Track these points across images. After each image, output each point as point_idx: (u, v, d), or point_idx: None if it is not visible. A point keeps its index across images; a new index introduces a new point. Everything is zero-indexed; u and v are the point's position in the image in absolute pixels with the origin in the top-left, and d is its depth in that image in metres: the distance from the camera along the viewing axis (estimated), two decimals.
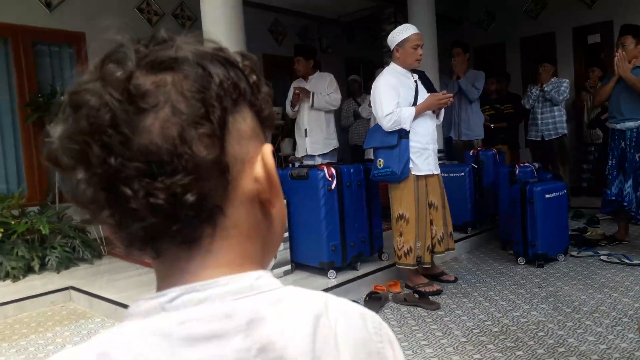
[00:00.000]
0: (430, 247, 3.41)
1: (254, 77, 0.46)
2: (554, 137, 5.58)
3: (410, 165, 3.29)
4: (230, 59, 0.44)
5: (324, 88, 4.73)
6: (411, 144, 3.28)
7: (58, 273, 4.03)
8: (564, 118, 5.61)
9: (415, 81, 3.40)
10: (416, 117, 3.26)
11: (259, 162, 0.45)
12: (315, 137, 4.81)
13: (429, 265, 3.49)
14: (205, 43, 0.44)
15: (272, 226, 0.48)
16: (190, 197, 0.39)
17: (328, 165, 3.57)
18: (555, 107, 5.53)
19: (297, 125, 4.94)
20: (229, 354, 0.40)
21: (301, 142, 4.90)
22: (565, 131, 5.62)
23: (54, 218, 4.39)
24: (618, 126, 4.15)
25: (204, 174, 0.40)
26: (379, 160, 3.34)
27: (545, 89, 5.50)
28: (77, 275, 3.97)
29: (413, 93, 3.34)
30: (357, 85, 6.76)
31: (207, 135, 0.40)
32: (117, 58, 0.40)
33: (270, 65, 7.07)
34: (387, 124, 3.24)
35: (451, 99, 3.35)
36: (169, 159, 0.38)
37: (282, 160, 6.65)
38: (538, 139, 5.69)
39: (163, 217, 0.39)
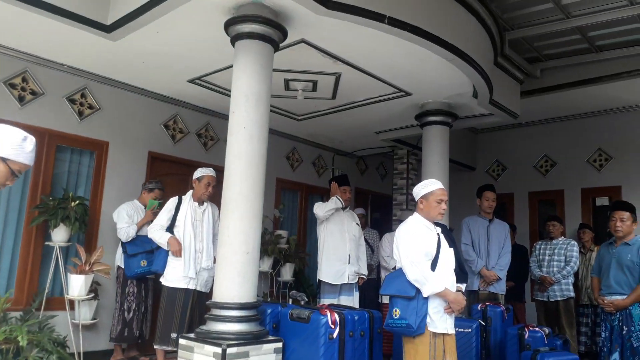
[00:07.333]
0: None
1: None
2: (559, 299, 5.41)
3: (428, 320, 3.08)
4: None
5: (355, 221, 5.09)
6: (430, 298, 3.11)
7: None
8: (571, 280, 5.47)
9: (438, 234, 3.35)
10: (437, 295, 3.11)
11: None
12: (354, 267, 4.89)
13: None
14: None
15: None
16: None
17: (331, 309, 3.41)
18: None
19: (332, 251, 4.83)
20: None
21: (341, 268, 4.82)
22: (572, 294, 5.46)
23: (35, 327, 4.15)
24: (607, 298, 4.18)
25: None
26: (395, 310, 3.14)
27: (556, 276, 5.44)
28: None
29: (435, 246, 3.27)
30: (363, 220, 6.77)
31: None
32: None
33: (281, 189, 7.28)
34: (411, 274, 3.08)
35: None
36: None
37: (281, 285, 6.41)
38: (544, 299, 5.52)
39: None
